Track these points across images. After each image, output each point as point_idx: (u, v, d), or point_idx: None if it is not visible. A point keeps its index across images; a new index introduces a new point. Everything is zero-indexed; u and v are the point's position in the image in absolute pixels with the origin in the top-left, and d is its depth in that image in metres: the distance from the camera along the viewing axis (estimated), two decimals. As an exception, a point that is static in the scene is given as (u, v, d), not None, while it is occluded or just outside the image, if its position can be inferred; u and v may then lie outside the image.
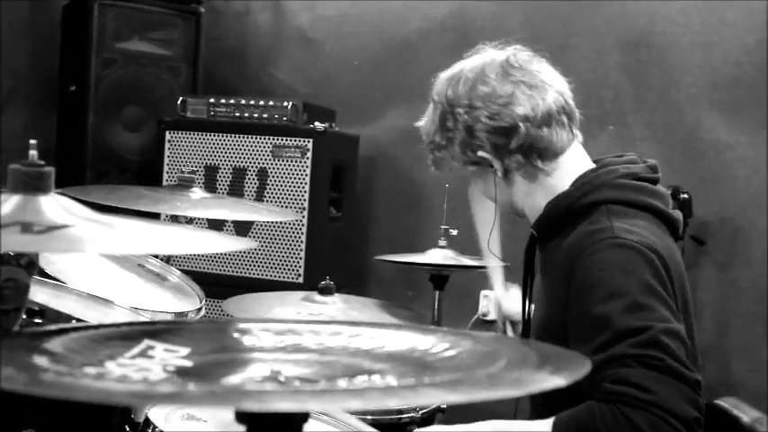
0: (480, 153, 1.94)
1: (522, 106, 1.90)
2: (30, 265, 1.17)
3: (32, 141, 1.20)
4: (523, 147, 1.91)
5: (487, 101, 1.91)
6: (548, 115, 1.92)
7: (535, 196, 1.98)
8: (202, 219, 3.38)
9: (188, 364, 0.94)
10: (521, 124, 1.89)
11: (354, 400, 0.86)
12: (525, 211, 2.03)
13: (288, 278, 3.61)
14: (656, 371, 1.61)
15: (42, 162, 1.17)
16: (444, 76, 2.01)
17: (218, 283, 3.42)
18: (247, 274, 3.69)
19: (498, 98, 1.90)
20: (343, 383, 0.92)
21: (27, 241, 1.03)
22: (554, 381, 0.80)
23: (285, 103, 3.73)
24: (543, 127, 1.91)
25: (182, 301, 2.30)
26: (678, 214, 1.96)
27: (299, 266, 3.60)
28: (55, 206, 1.13)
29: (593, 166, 1.98)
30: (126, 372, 0.88)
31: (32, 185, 1.13)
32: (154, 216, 2.19)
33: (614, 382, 1.62)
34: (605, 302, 1.69)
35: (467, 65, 1.99)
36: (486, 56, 1.99)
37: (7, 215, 1.08)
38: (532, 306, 2.13)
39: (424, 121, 2.05)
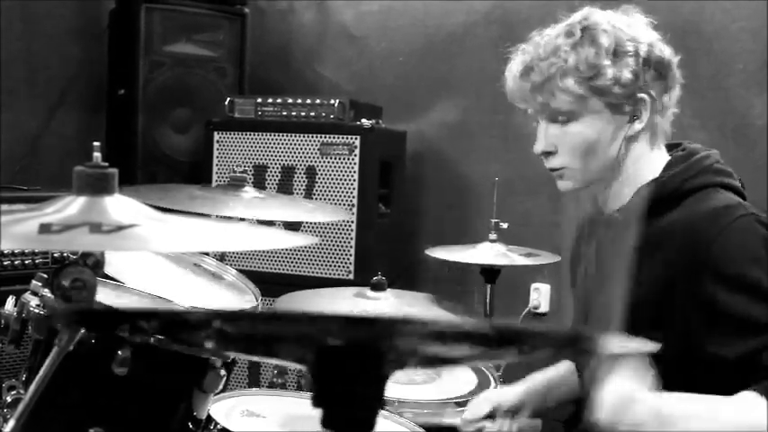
0: (641, 95, 1.87)
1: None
2: (96, 265, 1.19)
3: (96, 143, 1.22)
4: (669, 106, 1.92)
5: (650, 45, 1.91)
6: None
7: (641, 165, 1.90)
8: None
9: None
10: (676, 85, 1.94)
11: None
12: (622, 176, 1.91)
13: (338, 275, 3.63)
14: None
15: (106, 164, 1.19)
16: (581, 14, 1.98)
17: (268, 281, 3.42)
18: (298, 272, 3.71)
19: (661, 50, 1.92)
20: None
21: (97, 241, 1.05)
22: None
23: (332, 101, 3.75)
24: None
25: (239, 300, 2.32)
26: None
27: (350, 263, 3.61)
28: (120, 206, 1.15)
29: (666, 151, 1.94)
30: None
31: (98, 187, 1.16)
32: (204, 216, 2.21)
33: None
34: (739, 293, 1.68)
35: (594, 12, 1.98)
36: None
37: (75, 216, 1.10)
38: None
39: (569, 50, 1.92)
